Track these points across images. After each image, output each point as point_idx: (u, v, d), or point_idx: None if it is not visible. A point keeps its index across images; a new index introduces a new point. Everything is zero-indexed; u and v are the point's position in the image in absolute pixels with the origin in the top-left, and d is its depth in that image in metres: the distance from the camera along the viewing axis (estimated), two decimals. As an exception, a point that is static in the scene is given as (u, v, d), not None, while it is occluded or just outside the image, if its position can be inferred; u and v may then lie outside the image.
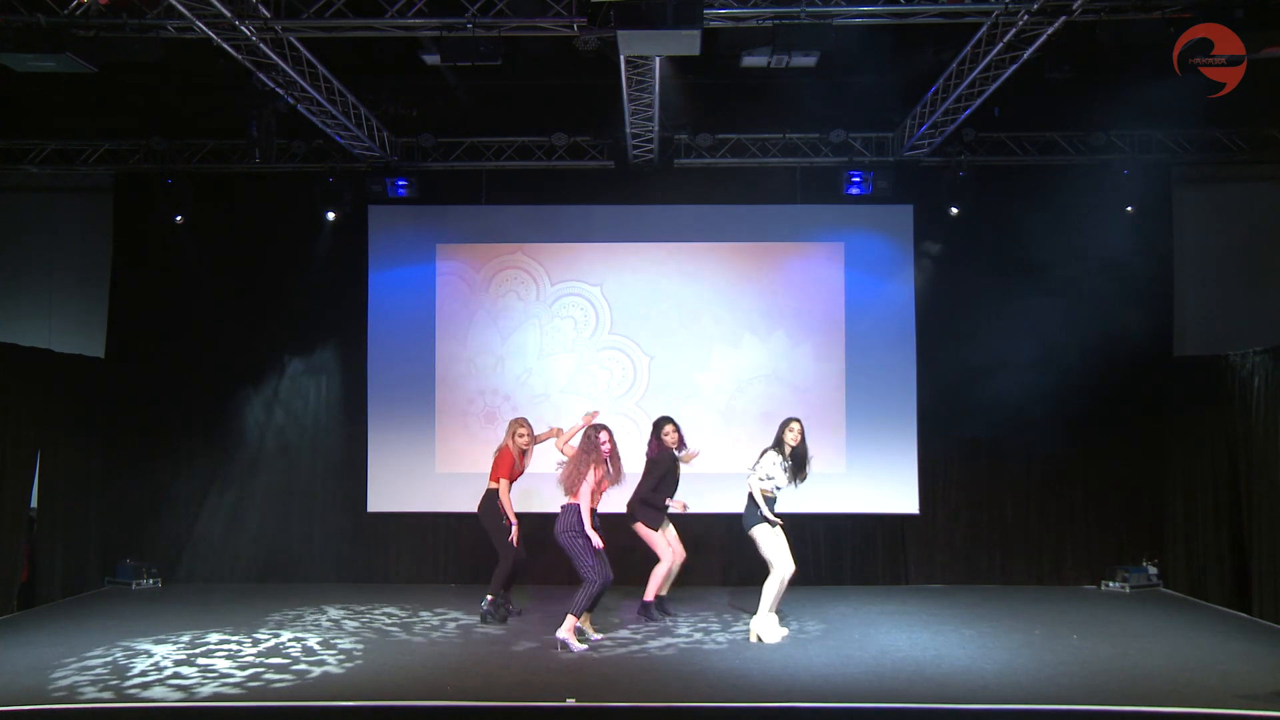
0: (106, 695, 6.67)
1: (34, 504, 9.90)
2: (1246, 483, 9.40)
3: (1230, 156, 10.83)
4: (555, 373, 11.15)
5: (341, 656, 7.71)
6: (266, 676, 7.15)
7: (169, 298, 11.27)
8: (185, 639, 8.23)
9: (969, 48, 8.53)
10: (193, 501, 11.18)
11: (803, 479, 8.46)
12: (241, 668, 7.36)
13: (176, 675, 7.14)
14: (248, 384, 11.15)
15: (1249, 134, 10.66)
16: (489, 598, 8.97)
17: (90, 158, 11.05)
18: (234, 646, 8.00)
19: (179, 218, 10.96)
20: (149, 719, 6.45)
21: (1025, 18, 7.58)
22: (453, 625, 8.90)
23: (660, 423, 9.31)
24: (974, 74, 8.61)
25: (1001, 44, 8.02)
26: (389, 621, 9.02)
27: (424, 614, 9.33)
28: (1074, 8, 7.38)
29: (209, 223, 11.24)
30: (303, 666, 7.42)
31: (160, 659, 7.59)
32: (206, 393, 11.17)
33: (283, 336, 11.18)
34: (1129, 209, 10.74)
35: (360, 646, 8.05)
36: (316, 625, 8.82)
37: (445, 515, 11.04)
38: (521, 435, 9.08)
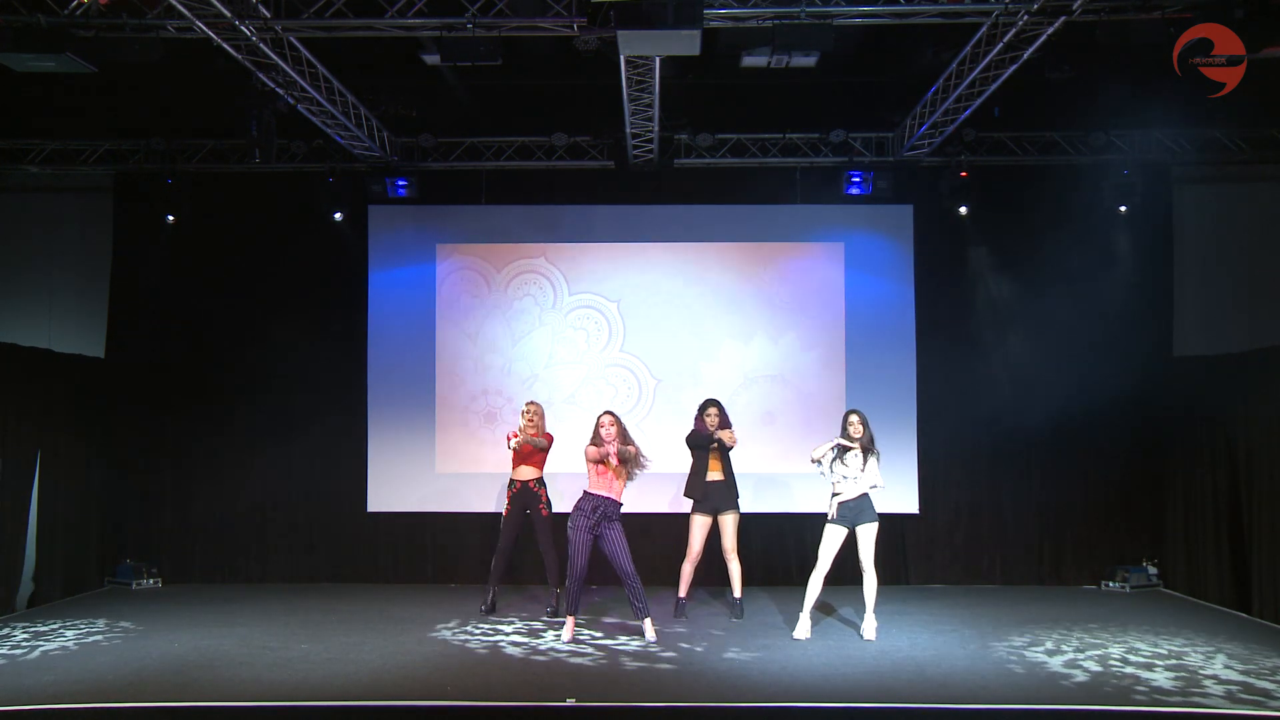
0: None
1: (34, 504, 9.90)
2: (1246, 483, 9.40)
3: (1230, 156, 10.82)
4: (549, 374, 11.19)
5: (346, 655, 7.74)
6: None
7: (169, 298, 11.26)
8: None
9: (969, 48, 8.53)
10: (193, 501, 11.17)
11: (855, 469, 8.23)
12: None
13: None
14: (247, 384, 11.14)
15: (1249, 134, 10.65)
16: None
17: (90, 158, 11.05)
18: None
19: (177, 217, 10.95)
20: (149, 718, 6.45)
21: (1025, 18, 7.59)
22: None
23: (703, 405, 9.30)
24: (974, 74, 8.61)
25: (1001, 44, 8.02)
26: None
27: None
28: (1074, 8, 7.38)
29: (209, 223, 11.24)
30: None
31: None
32: (206, 393, 11.16)
33: (283, 337, 11.16)
34: (1129, 209, 10.73)
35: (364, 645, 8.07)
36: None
37: (445, 515, 11.02)
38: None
